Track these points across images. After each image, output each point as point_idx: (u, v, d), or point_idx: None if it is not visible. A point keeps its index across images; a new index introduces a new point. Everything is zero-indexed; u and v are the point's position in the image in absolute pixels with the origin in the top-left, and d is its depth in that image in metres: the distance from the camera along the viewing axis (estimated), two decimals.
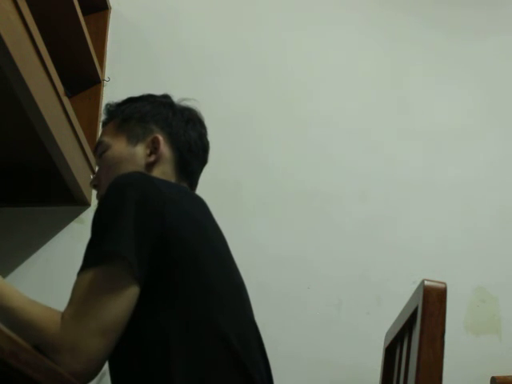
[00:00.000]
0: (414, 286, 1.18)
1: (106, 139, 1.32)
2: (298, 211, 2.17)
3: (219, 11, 2.40)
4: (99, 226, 1.07)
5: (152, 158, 1.28)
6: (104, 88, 2.21)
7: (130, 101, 1.37)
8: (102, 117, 1.40)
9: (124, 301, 1.02)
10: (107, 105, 1.39)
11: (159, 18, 2.36)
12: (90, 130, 2.09)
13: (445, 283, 1.08)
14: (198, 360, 1.05)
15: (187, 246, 1.11)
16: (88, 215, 2.09)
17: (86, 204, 2.09)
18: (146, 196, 1.08)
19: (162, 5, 2.38)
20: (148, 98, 1.38)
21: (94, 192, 2.05)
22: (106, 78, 2.23)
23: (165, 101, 1.37)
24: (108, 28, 2.30)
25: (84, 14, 1.97)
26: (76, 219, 2.09)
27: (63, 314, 1.02)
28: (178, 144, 1.32)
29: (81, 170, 1.94)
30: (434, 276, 1.13)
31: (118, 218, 1.05)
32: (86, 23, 2.00)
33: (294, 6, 2.43)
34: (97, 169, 1.37)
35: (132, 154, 1.29)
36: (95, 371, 1.02)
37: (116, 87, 2.21)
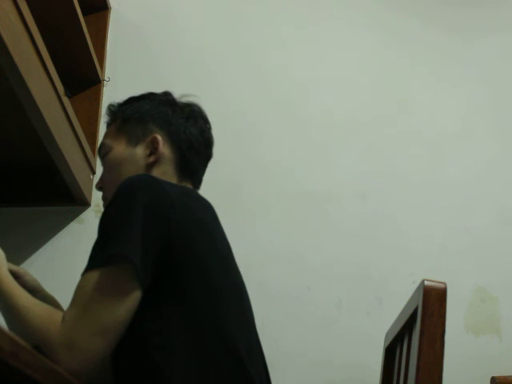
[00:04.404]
0: (414, 286, 1.18)
1: (108, 141, 1.33)
2: (297, 211, 2.17)
3: (219, 11, 2.39)
4: (106, 227, 1.08)
5: (152, 159, 1.28)
6: (104, 88, 2.21)
7: (131, 101, 1.37)
8: (105, 118, 1.40)
9: (126, 303, 1.03)
10: (109, 105, 1.39)
11: (159, 18, 2.36)
12: (90, 130, 2.09)
13: (445, 283, 1.08)
14: (200, 361, 1.05)
15: (194, 249, 1.11)
16: (88, 215, 2.09)
17: (86, 204, 2.09)
18: (154, 200, 1.09)
19: (162, 5, 2.38)
20: (148, 97, 1.37)
21: (94, 192, 2.09)
22: (106, 78, 2.22)
23: (165, 98, 1.37)
24: (108, 28, 2.30)
25: (84, 14, 1.97)
26: (76, 219, 2.09)
27: (64, 314, 1.03)
28: (178, 142, 1.31)
29: (81, 169, 1.94)
30: (434, 276, 1.13)
31: (126, 220, 1.06)
32: (86, 23, 1.99)
33: (294, 6, 2.43)
34: (101, 171, 1.37)
35: (132, 155, 1.29)
36: (92, 371, 1.02)
37: (116, 87, 2.21)
